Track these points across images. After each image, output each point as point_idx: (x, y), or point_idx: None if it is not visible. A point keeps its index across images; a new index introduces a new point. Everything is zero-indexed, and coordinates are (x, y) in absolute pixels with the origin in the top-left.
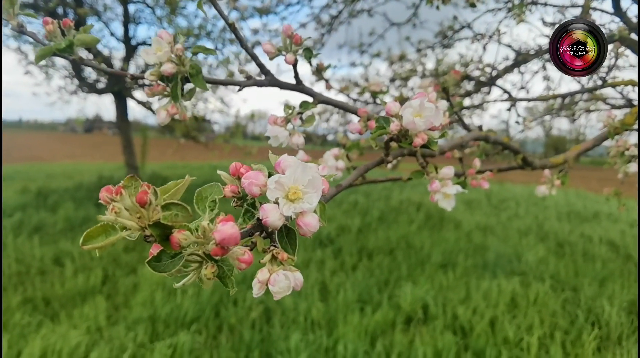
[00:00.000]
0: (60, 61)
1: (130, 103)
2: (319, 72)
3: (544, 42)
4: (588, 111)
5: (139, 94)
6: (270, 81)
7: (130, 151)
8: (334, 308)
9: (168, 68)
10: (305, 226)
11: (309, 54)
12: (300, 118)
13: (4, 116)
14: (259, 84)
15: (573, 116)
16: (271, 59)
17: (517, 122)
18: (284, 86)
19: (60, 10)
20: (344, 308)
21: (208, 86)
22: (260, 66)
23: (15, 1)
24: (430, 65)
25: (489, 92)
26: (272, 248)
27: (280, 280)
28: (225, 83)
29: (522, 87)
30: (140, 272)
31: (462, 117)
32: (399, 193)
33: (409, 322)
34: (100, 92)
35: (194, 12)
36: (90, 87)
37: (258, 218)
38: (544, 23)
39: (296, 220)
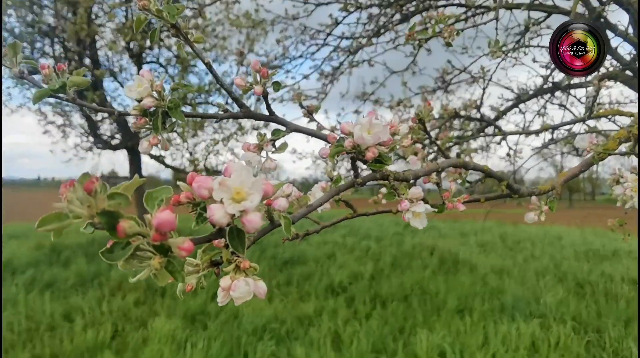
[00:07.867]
0: (77, 120)
1: (144, 158)
2: (309, 114)
3: (539, 82)
4: None
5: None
6: (245, 112)
7: (143, 206)
8: None
9: (148, 102)
10: (248, 223)
11: (277, 86)
12: (273, 145)
13: (24, 176)
14: (234, 116)
15: (577, 151)
16: (243, 92)
17: (507, 154)
18: (258, 117)
19: None
20: None
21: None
22: (235, 99)
23: (19, 50)
24: (435, 111)
25: (487, 135)
26: (235, 258)
27: (241, 285)
28: (201, 116)
29: (524, 130)
30: (150, 326)
31: (443, 149)
32: (411, 237)
33: None
34: (115, 148)
35: (205, 70)
36: (105, 144)
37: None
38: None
39: (240, 219)
